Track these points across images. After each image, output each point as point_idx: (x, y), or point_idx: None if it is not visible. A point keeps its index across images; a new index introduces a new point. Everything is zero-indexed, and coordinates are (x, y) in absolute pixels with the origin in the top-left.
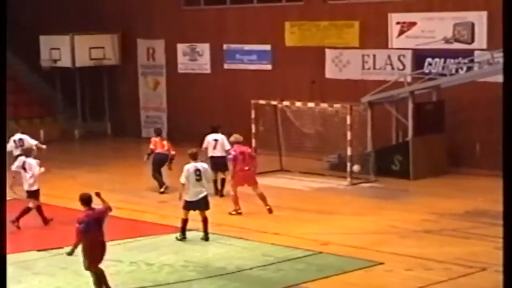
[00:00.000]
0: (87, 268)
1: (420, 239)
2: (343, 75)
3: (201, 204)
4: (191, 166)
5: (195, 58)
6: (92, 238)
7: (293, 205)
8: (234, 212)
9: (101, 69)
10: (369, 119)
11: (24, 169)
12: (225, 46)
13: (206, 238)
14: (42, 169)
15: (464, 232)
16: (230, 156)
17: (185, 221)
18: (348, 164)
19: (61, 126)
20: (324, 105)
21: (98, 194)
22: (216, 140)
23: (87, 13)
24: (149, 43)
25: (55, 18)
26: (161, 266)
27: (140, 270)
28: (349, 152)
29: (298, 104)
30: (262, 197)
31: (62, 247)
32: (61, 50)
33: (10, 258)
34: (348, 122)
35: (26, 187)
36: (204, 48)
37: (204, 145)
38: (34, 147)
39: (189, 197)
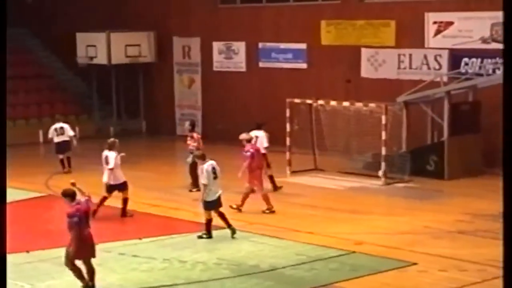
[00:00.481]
0: (71, 259)
1: (454, 239)
2: (379, 75)
3: (218, 203)
4: (208, 166)
5: (230, 56)
6: (81, 231)
7: (326, 205)
8: (267, 211)
9: (136, 66)
10: (404, 119)
11: (107, 163)
12: (260, 45)
13: (233, 231)
14: (122, 154)
15: (498, 233)
16: (248, 154)
17: (210, 221)
18: (382, 164)
19: (96, 124)
20: (359, 105)
21: (74, 184)
22: (257, 137)
23: (123, 10)
24: (185, 41)
25: (92, 16)
26: (194, 264)
27: (173, 267)
28: (383, 152)
29: (333, 103)
30: (266, 198)
31: (96, 244)
32: (97, 47)
33: (45, 254)
34: (383, 121)
35: (110, 180)
36: (240, 47)
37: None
38: (116, 141)
39: (209, 197)
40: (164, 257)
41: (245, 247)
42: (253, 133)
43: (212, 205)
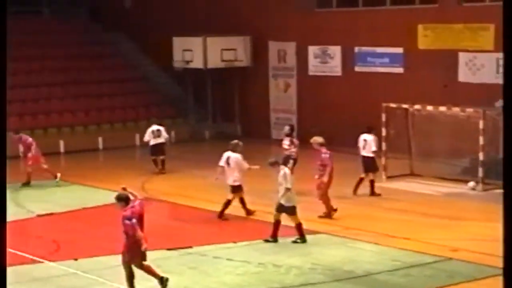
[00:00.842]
0: (128, 262)
1: None
2: (477, 79)
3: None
4: (287, 170)
5: (326, 61)
6: (136, 234)
7: (422, 210)
8: (324, 215)
9: (232, 70)
10: (502, 124)
11: (228, 164)
12: (356, 49)
13: (303, 240)
14: (255, 167)
15: None
16: (327, 156)
17: (300, 225)
18: (480, 170)
19: (191, 127)
20: (456, 110)
21: (125, 189)
22: (365, 141)
23: (219, 15)
24: (281, 45)
25: (188, 20)
26: (289, 268)
27: (267, 271)
28: (481, 157)
29: (429, 108)
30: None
31: (191, 247)
32: (194, 51)
33: None
34: (481, 126)
35: (229, 181)
36: (336, 51)
37: (358, 144)
38: (240, 143)
39: (285, 201)
40: (259, 261)
41: (340, 252)
42: (363, 137)
43: (284, 209)
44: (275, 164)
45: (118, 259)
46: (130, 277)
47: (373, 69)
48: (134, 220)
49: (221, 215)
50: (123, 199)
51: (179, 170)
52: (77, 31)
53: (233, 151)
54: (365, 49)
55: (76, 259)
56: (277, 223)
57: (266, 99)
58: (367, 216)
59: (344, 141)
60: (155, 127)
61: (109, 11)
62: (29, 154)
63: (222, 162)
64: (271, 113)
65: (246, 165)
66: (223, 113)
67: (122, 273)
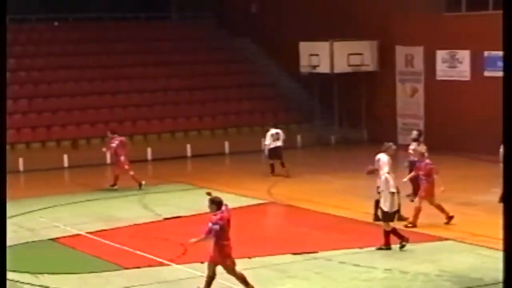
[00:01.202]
0: (229, 267)
1: None
2: None
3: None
4: (387, 175)
5: (454, 65)
6: (224, 239)
7: None
8: (410, 225)
9: (358, 75)
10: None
11: (379, 166)
12: (486, 53)
13: (388, 248)
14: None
15: None
16: (431, 165)
17: (395, 230)
18: None
19: (317, 132)
20: None
21: (209, 194)
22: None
23: (346, 19)
24: (408, 50)
25: (315, 24)
26: (416, 275)
27: (394, 278)
28: None
29: None
30: (418, 211)
31: (316, 252)
32: (320, 56)
33: (265, 261)
34: None
35: (378, 183)
36: (464, 55)
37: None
38: (392, 146)
39: (388, 206)
40: (385, 267)
41: (468, 259)
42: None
43: (393, 216)
44: (372, 171)
45: (245, 263)
46: (243, 279)
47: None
48: (216, 226)
49: (402, 218)
50: (215, 203)
51: (305, 175)
52: (204, 36)
53: (385, 153)
54: (495, 53)
55: (202, 262)
56: (391, 231)
57: (392, 104)
58: (496, 223)
59: (475, 147)
60: (274, 130)
61: (236, 16)
62: (122, 158)
63: (375, 164)
64: (397, 118)
65: (385, 169)
66: (349, 118)
67: (248, 277)
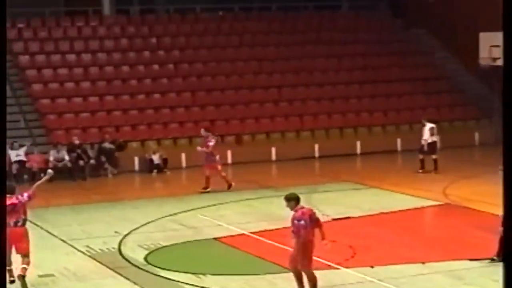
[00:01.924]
0: (305, 267)
1: None
2: None
3: None
4: None
5: None
6: (310, 236)
7: None
8: None
9: None
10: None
11: None
12: None
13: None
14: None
15: None
16: None
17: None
18: None
19: (497, 129)
20: None
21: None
22: None
23: None
24: None
25: (497, 14)
26: None
27: None
28: None
29: None
30: None
31: (495, 258)
32: (502, 47)
33: (440, 266)
34: None
35: None
36: None
37: None
38: None
39: None
40: None
41: None
42: None
43: None
44: None
45: (415, 268)
46: (300, 281)
47: None
48: (302, 222)
49: None
50: (293, 199)
51: (483, 176)
52: (376, 27)
53: None
54: None
55: (372, 267)
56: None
57: None
58: None
59: None
60: (429, 125)
61: (411, 6)
62: (218, 157)
63: None
64: None
65: None
66: None
67: (419, 284)
